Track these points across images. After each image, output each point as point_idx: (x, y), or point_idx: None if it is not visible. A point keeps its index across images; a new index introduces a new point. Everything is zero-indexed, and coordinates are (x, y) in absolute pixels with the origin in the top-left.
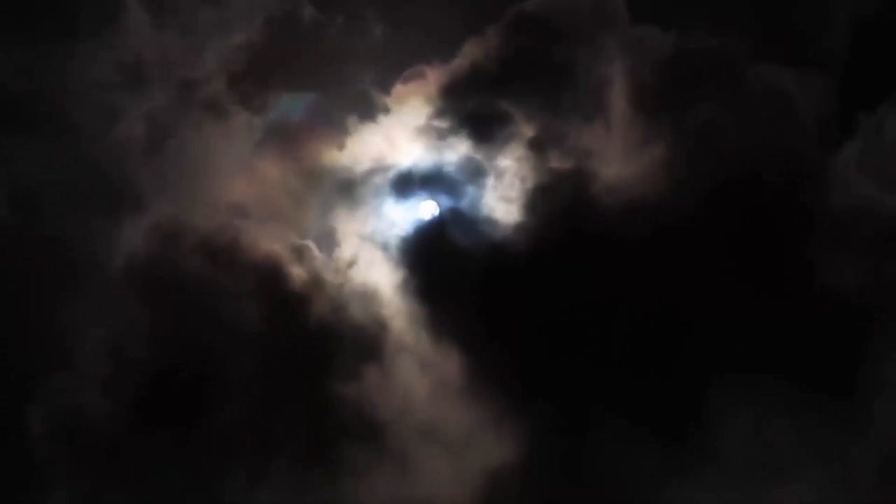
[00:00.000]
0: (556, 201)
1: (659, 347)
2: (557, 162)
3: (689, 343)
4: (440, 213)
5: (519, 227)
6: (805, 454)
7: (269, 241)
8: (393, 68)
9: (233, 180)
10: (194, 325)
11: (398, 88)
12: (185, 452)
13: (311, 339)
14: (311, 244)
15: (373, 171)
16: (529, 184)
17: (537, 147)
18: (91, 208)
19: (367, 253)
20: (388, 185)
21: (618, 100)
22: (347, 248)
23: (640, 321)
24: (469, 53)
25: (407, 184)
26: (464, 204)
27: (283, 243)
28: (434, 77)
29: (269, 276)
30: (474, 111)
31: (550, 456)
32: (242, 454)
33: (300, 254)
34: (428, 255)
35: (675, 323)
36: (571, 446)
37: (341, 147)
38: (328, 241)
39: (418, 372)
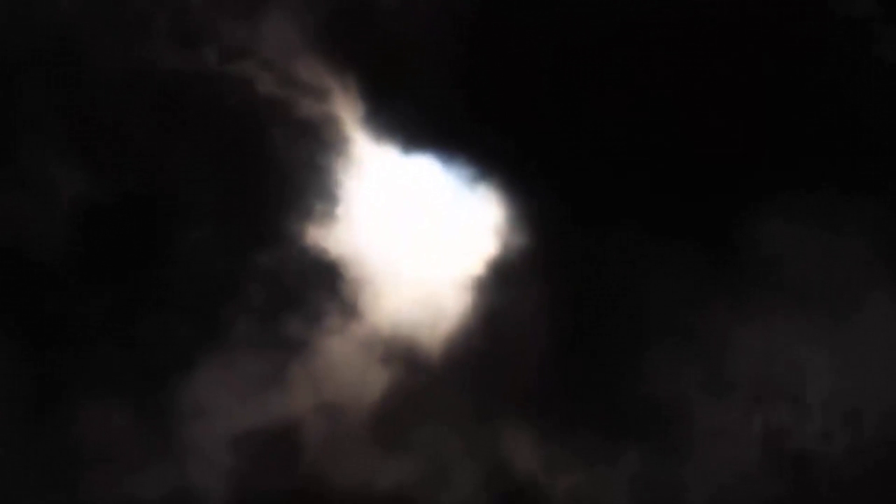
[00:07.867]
0: None
1: (700, 140)
2: None
3: (737, 136)
4: None
5: None
6: (882, 272)
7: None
8: None
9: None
10: (137, 157)
11: None
12: (123, 314)
13: (257, 170)
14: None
15: None
16: None
17: None
18: None
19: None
20: None
21: None
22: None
23: (675, 108)
24: None
25: None
26: None
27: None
28: None
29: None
30: None
31: (562, 256)
32: (190, 309)
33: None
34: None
35: (717, 111)
36: (588, 249)
37: None
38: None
39: (389, 186)
